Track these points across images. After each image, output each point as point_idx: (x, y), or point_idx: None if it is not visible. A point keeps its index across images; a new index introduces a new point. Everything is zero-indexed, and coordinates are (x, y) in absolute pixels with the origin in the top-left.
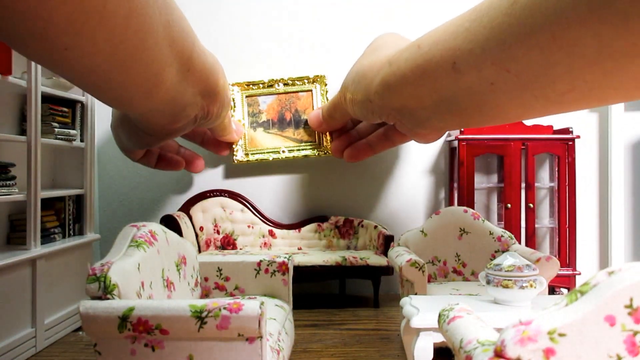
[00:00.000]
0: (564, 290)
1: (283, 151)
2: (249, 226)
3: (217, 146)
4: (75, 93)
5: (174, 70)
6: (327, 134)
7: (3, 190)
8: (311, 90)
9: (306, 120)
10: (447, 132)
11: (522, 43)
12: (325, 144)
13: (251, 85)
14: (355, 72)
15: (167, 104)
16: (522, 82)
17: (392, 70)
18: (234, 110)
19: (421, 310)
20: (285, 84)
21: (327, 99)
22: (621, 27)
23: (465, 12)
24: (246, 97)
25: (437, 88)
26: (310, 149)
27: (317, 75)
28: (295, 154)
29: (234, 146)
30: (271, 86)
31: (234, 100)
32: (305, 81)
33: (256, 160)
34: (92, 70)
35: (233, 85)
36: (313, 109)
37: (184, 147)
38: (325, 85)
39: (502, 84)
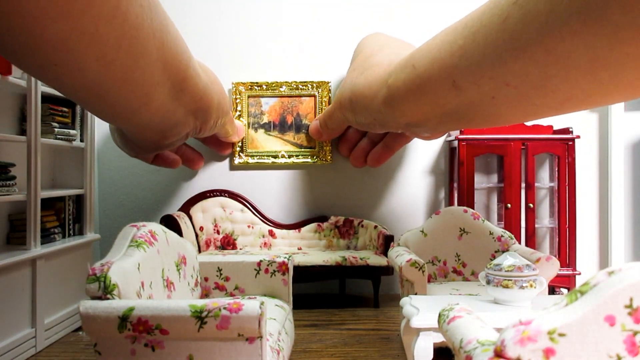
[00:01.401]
0: (564, 290)
1: (283, 155)
2: (249, 226)
3: (220, 145)
4: None
5: (166, 90)
6: (329, 141)
7: (3, 190)
8: (314, 95)
9: (308, 127)
10: (446, 132)
11: (517, 58)
12: (325, 148)
13: (254, 87)
14: (352, 90)
15: (157, 121)
16: (521, 94)
17: (391, 92)
18: (236, 107)
19: (421, 310)
20: (289, 87)
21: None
22: (613, 38)
23: (455, 26)
24: (249, 97)
25: (439, 104)
26: (310, 155)
27: (322, 81)
28: (295, 159)
29: (235, 148)
30: (275, 88)
31: (238, 98)
32: (309, 86)
33: (256, 163)
34: (82, 85)
35: (237, 84)
36: (315, 114)
37: (186, 145)
38: (329, 92)
39: (503, 97)
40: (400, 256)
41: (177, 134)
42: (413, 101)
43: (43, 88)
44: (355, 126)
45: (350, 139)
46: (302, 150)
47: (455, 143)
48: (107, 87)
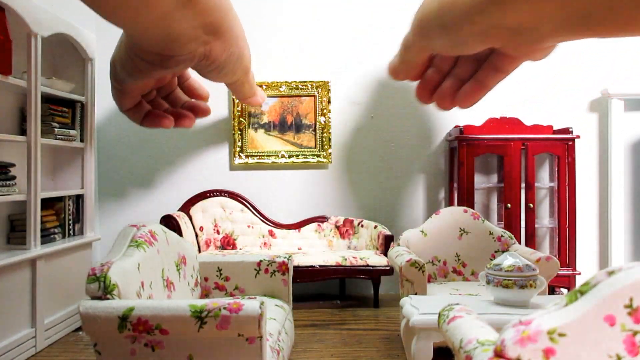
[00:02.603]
0: (564, 290)
1: (283, 155)
2: (249, 226)
3: (180, 116)
4: (75, 93)
5: None
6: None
7: (3, 190)
8: (314, 95)
9: (307, 127)
10: (446, 132)
11: None
12: (325, 148)
13: None
14: (440, 1)
15: (161, 29)
16: None
17: None
18: (235, 107)
19: (421, 310)
20: (289, 87)
21: (329, 105)
22: None
23: None
24: None
25: (566, 2)
26: (310, 155)
27: (322, 81)
28: (295, 159)
29: (235, 148)
30: (275, 88)
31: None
32: (309, 86)
33: (255, 163)
34: None
35: None
36: (315, 114)
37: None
38: (329, 92)
39: None
40: (400, 256)
41: (183, 47)
42: None
43: (43, 88)
44: (442, 51)
45: (430, 80)
46: (302, 150)
47: (455, 143)
48: None
